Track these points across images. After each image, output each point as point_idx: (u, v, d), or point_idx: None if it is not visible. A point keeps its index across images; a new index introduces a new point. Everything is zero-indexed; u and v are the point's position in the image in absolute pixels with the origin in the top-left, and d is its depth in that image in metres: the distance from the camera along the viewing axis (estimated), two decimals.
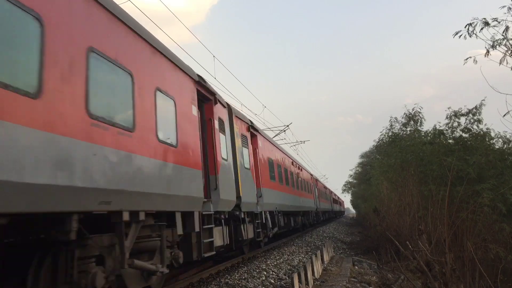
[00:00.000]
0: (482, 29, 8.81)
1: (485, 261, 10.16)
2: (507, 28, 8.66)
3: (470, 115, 13.41)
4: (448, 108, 14.05)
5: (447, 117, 13.99)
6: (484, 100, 13.19)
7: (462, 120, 13.64)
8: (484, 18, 8.80)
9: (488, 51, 8.96)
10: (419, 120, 16.62)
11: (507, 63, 8.65)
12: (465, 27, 8.99)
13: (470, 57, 9.24)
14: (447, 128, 14.12)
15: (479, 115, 13.27)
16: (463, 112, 13.62)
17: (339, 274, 10.97)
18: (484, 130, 13.39)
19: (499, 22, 8.74)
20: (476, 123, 13.38)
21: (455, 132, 13.94)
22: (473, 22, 8.84)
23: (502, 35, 8.82)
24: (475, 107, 13.32)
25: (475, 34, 8.86)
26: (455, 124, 13.83)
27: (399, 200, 16.99)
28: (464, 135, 13.67)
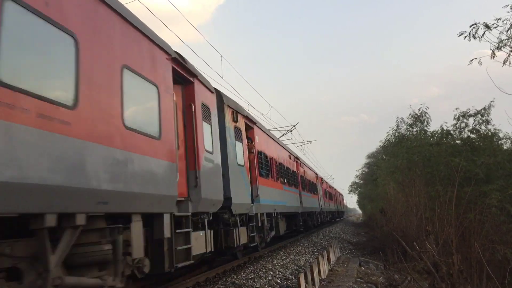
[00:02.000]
0: (484, 33, 8.79)
1: (493, 262, 10.11)
2: (511, 27, 8.62)
3: (479, 115, 13.33)
4: (456, 108, 13.97)
5: (455, 118, 13.92)
6: (493, 101, 13.11)
7: (471, 121, 13.57)
8: (485, 22, 8.77)
9: (493, 53, 8.93)
10: (425, 121, 16.52)
11: (510, 63, 8.62)
12: (470, 26, 8.97)
13: (476, 58, 9.24)
14: (455, 129, 14.05)
15: (488, 116, 13.19)
16: (471, 113, 13.53)
17: (345, 274, 10.95)
18: (492, 130, 13.32)
19: (503, 21, 8.70)
20: (484, 123, 13.31)
21: (463, 133, 13.88)
22: (475, 26, 8.83)
23: (507, 36, 8.79)
24: (484, 108, 13.24)
25: (479, 37, 8.85)
26: (463, 124, 13.76)
27: (406, 200, 16.93)
28: (472, 135, 13.59)
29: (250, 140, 13.08)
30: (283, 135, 30.03)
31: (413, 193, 15.31)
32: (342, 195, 72.07)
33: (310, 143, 38.93)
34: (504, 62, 8.75)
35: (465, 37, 9.06)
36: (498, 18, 8.74)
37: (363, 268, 13.02)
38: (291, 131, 30.49)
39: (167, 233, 6.48)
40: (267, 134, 16.06)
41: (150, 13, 10.42)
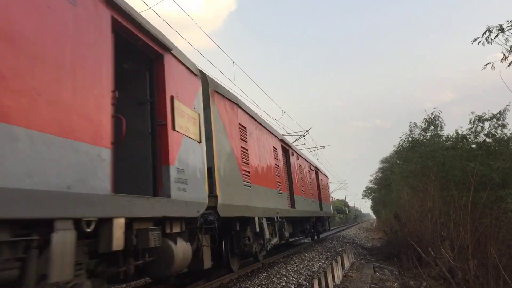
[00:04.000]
0: (497, 35, 8.76)
1: (510, 267, 9.95)
2: None
3: (494, 120, 13.19)
4: (472, 112, 13.86)
5: (470, 122, 13.80)
6: (509, 105, 12.97)
7: (486, 125, 13.43)
8: (500, 25, 8.74)
9: (505, 56, 8.87)
10: (439, 125, 16.39)
11: (509, 64, 8.59)
12: (482, 35, 8.94)
13: (489, 63, 9.20)
14: (470, 133, 13.92)
15: (504, 119, 13.05)
16: (486, 117, 13.40)
17: (359, 280, 10.89)
18: (509, 135, 13.16)
19: None
20: (500, 127, 13.16)
21: (478, 137, 13.73)
22: (490, 28, 8.80)
23: None
24: (499, 112, 13.10)
25: (491, 39, 8.81)
26: (479, 128, 13.62)
27: (421, 205, 16.77)
28: (487, 139, 13.44)
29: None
30: (296, 140, 30.00)
31: (427, 198, 15.16)
32: (327, 177, 32.50)
33: (323, 148, 38.80)
34: (502, 61, 8.72)
35: (479, 43, 9.03)
36: (510, 20, 8.69)
37: (377, 273, 12.92)
38: (304, 136, 30.44)
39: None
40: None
41: (163, 20, 10.58)
